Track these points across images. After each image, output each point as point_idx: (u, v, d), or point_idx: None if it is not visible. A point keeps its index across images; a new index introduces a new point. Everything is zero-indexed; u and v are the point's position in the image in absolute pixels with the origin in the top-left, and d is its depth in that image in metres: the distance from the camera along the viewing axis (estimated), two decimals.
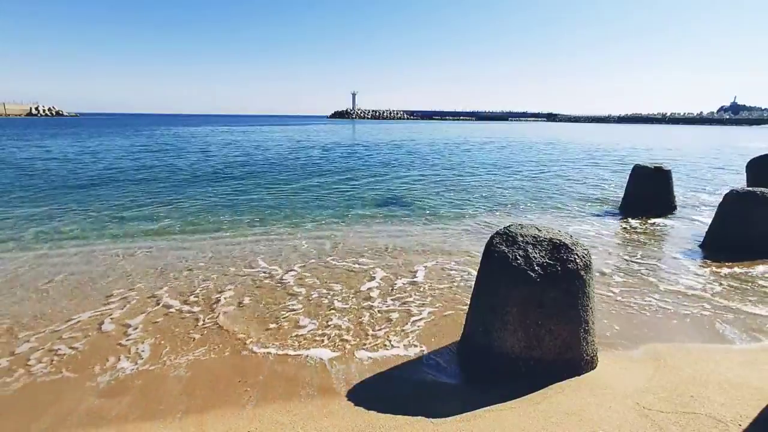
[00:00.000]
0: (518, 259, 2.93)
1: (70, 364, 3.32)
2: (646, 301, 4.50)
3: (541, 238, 3.04)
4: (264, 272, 5.38)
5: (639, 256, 6.02)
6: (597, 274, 5.07)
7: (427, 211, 8.97)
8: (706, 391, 2.81)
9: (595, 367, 3.10)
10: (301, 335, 3.80)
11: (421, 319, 4.09)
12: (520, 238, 3.06)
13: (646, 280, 5.08)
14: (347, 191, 11.60)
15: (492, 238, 3.19)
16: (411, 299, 4.56)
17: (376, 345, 3.63)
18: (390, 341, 3.69)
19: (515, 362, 2.95)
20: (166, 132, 45.63)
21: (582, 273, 2.93)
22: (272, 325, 3.99)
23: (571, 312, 2.91)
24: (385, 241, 6.77)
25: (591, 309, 3.02)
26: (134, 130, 49.19)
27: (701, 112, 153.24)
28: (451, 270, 5.44)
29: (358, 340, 3.72)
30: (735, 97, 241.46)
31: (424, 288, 4.86)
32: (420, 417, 2.62)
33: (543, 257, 2.93)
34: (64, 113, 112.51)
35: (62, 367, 3.27)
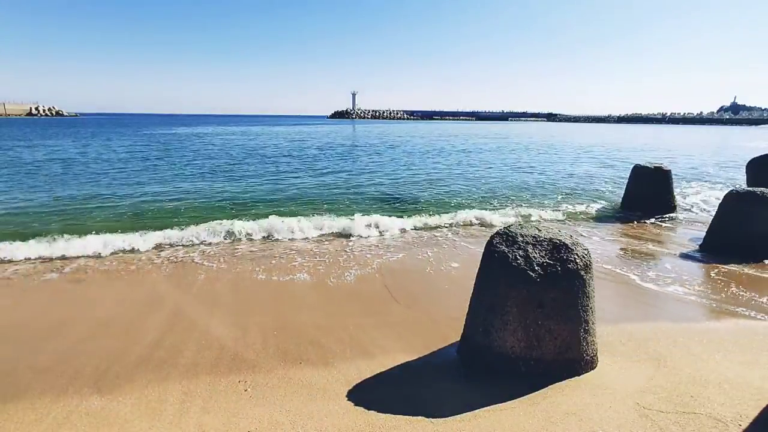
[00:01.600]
0: (518, 259, 2.93)
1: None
2: (644, 300, 4.50)
3: (541, 238, 3.04)
4: (268, 236, 7.01)
5: (639, 256, 6.03)
6: (595, 273, 5.08)
7: (421, 206, 8.99)
8: (706, 391, 2.82)
9: (595, 367, 3.10)
10: (294, 266, 5.60)
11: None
12: (520, 238, 3.06)
13: (645, 280, 5.08)
14: (344, 187, 11.63)
15: (492, 237, 3.19)
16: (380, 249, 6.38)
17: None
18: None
19: (515, 362, 2.95)
20: (167, 132, 45.61)
21: (582, 273, 2.93)
22: (274, 261, 5.78)
23: (571, 312, 2.90)
24: (374, 221, 7.83)
25: (591, 309, 3.02)
26: (134, 130, 49.13)
27: (701, 112, 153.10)
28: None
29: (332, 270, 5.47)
30: (735, 97, 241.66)
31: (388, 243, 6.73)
32: (420, 417, 2.62)
33: (543, 257, 2.93)
34: (64, 113, 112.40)
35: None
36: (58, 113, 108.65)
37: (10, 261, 5.67)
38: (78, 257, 5.88)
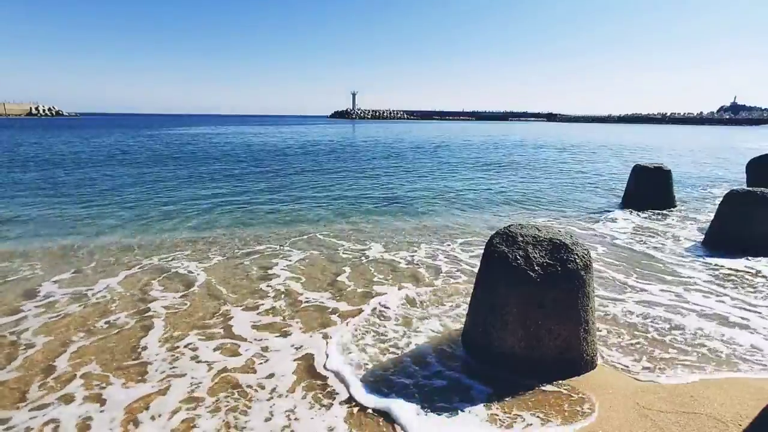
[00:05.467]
0: (518, 259, 2.93)
1: None
2: (644, 300, 4.50)
3: (541, 238, 3.04)
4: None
5: (638, 256, 6.02)
6: (595, 273, 5.07)
7: (421, 208, 9.00)
8: (706, 391, 2.81)
9: (595, 367, 3.10)
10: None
11: None
12: (520, 238, 3.06)
13: (645, 280, 5.08)
14: (346, 188, 11.64)
15: (492, 238, 3.20)
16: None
17: None
18: None
19: (515, 362, 2.95)
20: (169, 133, 45.60)
21: (582, 273, 2.93)
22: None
23: (571, 312, 2.91)
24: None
25: (591, 309, 3.02)
26: (136, 131, 49.09)
27: (701, 112, 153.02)
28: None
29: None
30: (735, 97, 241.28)
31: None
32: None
33: (543, 257, 2.93)
34: (64, 113, 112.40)
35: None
36: (58, 113, 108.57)
37: None
38: None
